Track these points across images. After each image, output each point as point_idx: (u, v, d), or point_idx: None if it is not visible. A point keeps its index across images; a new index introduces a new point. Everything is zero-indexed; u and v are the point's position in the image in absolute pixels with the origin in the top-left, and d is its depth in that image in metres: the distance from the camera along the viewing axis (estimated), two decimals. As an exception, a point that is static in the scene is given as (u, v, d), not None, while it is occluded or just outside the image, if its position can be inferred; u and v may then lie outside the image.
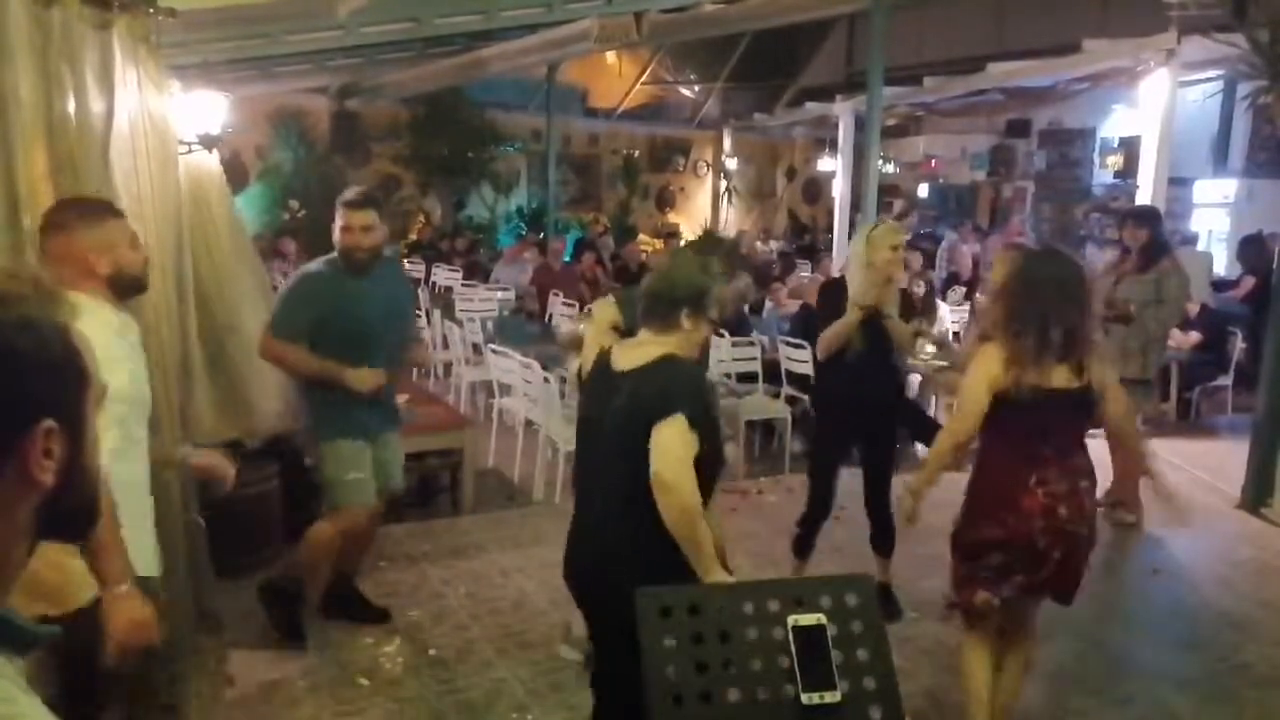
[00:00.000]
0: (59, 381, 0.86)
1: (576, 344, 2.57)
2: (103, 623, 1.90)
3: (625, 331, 2.69)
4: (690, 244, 3.09)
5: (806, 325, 6.59)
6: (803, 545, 4.11)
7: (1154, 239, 5.02)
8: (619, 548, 2.29)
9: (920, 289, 7.67)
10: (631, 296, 2.68)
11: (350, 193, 3.57)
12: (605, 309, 2.86)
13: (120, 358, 2.14)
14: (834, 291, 3.95)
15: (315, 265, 3.63)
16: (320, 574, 3.64)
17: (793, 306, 7.88)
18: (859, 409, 3.88)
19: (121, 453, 2.12)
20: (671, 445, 2.16)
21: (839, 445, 4.09)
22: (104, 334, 2.03)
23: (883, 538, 4.04)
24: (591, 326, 2.69)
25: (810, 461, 4.18)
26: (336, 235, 3.50)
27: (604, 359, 2.41)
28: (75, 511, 0.91)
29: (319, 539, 3.53)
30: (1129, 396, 4.23)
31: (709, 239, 3.10)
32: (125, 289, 2.29)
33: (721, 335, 6.29)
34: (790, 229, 16.07)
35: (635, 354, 2.35)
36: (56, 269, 2.09)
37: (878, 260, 3.73)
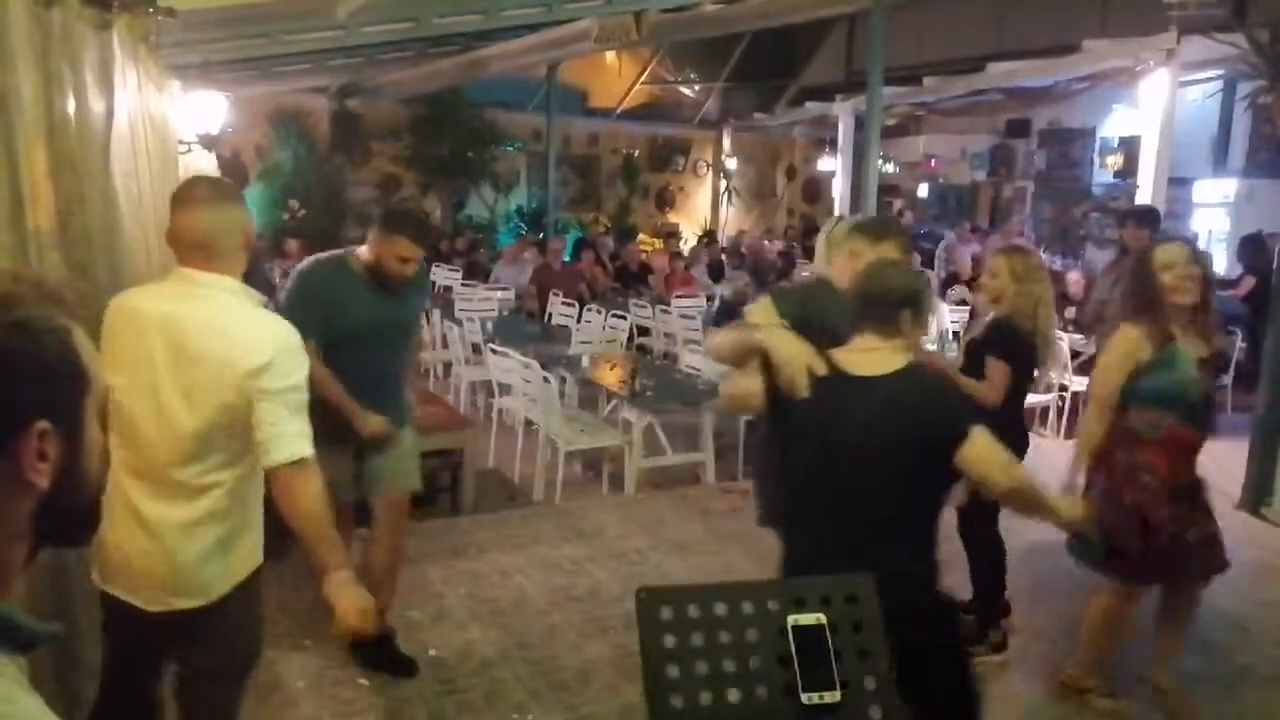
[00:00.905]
0: (55, 384, 0.86)
1: (746, 356, 2.33)
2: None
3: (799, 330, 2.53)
4: (861, 225, 2.93)
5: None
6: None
7: (1154, 240, 5.02)
8: (897, 568, 2.06)
9: None
10: (786, 295, 2.62)
11: (408, 219, 3.18)
12: (766, 311, 2.66)
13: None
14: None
15: (325, 264, 3.29)
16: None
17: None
18: None
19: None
20: (994, 452, 2.09)
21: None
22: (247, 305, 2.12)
23: None
24: (768, 333, 2.44)
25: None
26: (378, 252, 3.17)
27: (830, 366, 2.19)
28: (73, 515, 0.91)
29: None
30: None
31: (883, 221, 3.04)
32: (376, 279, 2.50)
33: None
34: (801, 228, 16.09)
35: (872, 360, 2.19)
36: (202, 246, 2.10)
37: (838, 260, 3.76)
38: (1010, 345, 3.49)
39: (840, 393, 2.16)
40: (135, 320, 2.09)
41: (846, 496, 2.15)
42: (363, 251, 3.27)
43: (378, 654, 3.45)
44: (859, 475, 2.13)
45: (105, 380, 0.93)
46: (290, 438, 2.01)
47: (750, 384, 2.27)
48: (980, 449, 2.08)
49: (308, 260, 3.39)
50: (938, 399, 2.17)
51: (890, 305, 2.22)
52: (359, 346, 3.21)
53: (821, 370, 2.17)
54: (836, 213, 12.03)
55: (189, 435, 2.03)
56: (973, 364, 3.56)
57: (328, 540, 2.02)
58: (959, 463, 2.09)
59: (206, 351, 2.01)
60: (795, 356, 2.17)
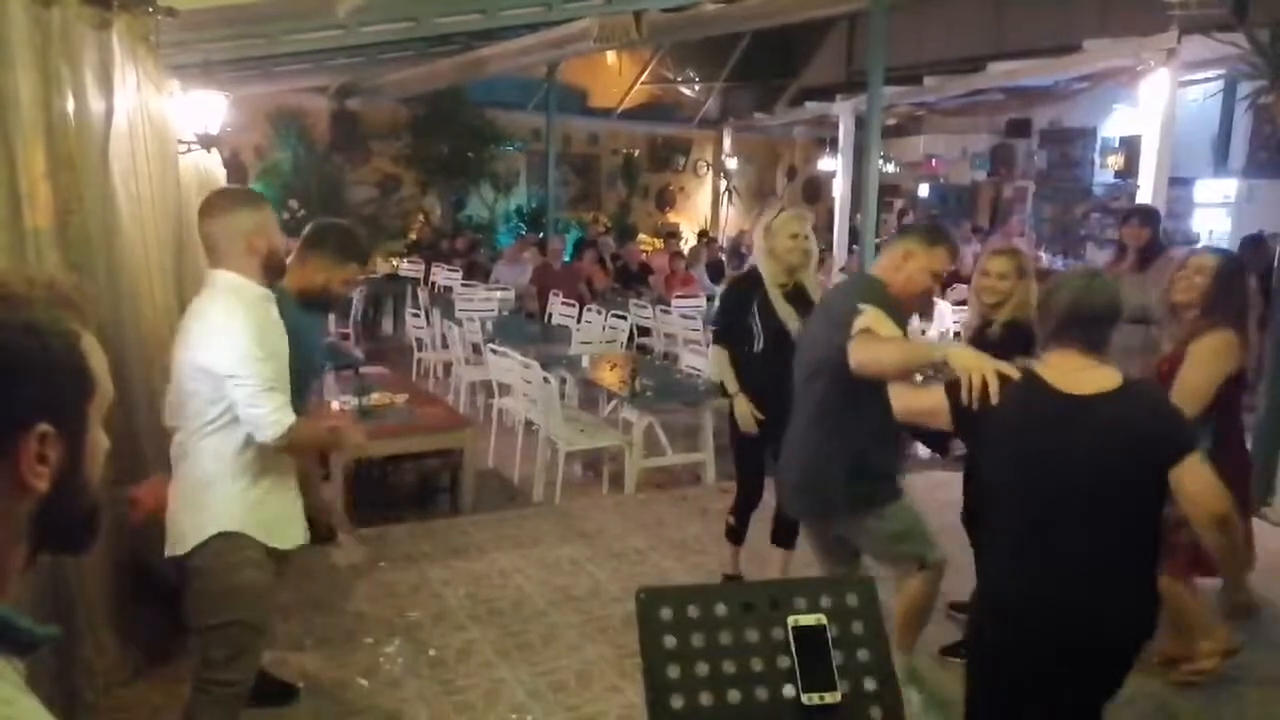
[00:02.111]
0: (59, 387, 0.86)
1: (917, 367, 2.35)
2: None
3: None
4: (916, 228, 2.92)
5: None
6: (737, 533, 4.21)
7: (1154, 239, 5.02)
8: (1123, 590, 2.07)
9: None
10: (880, 300, 2.58)
11: (356, 243, 3.11)
12: (880, 318, 2.57)
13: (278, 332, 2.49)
14: (744, 280, 4.17)
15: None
16: None
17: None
18: (761, 395, 3.98)
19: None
20: (1210, 476, 2.01)
21: (759, 427, 4.13)
22: (264, 309, 2.45)
23: (785, 533, 4.03)
24: (943, 344, 2.36)
25: (733, 449, 4.26)
26: (326, 278, 3.03)
27: (1036, 382, 2.11)
28: (73, 520, 0.90)
29: None
30: None
31: (935, 225, 3.02)
32: (275, 270, 2.55)
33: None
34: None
35: (1086, 379, 2.10)
36: (213, 249, 2.41)
37: (778, 249, 3.93)
38: (1033, 346, 3.48)
39: (1056, 411, 2.07)
40: None
41: (1062, 520, 2.06)
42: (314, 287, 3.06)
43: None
44: (1077, 499, 2.05)
45: (109, 388, 0.92)
46: (266, 420, 2.31)
47: (934, 396, 2.25)
48: (1197, 471, 2.00)
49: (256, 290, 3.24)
50: (1162, 417, 2.09)
51: (1103, 323, 2.15)
52: (304, 384, 3.00)
53: (1015, 378, 2.10)
54: (837, 212, 12.02)
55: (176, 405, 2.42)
56: None
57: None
58: (1172, 485, 2.01)
59: (190, 333, 2.36)
60: (979, 366, 2.11)
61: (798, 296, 3.99)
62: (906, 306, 2.85)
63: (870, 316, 2.53)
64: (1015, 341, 3.45)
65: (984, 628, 2.24)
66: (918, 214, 13.97)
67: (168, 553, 2.43)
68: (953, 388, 2.19)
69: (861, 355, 2.47)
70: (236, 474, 2.40)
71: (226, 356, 2.29)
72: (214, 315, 2.34)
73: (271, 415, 2.31)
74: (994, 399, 2.06)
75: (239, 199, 2.51)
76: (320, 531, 4.08)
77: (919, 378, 2.49)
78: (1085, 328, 2.13)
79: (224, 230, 2.40)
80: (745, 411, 4.05)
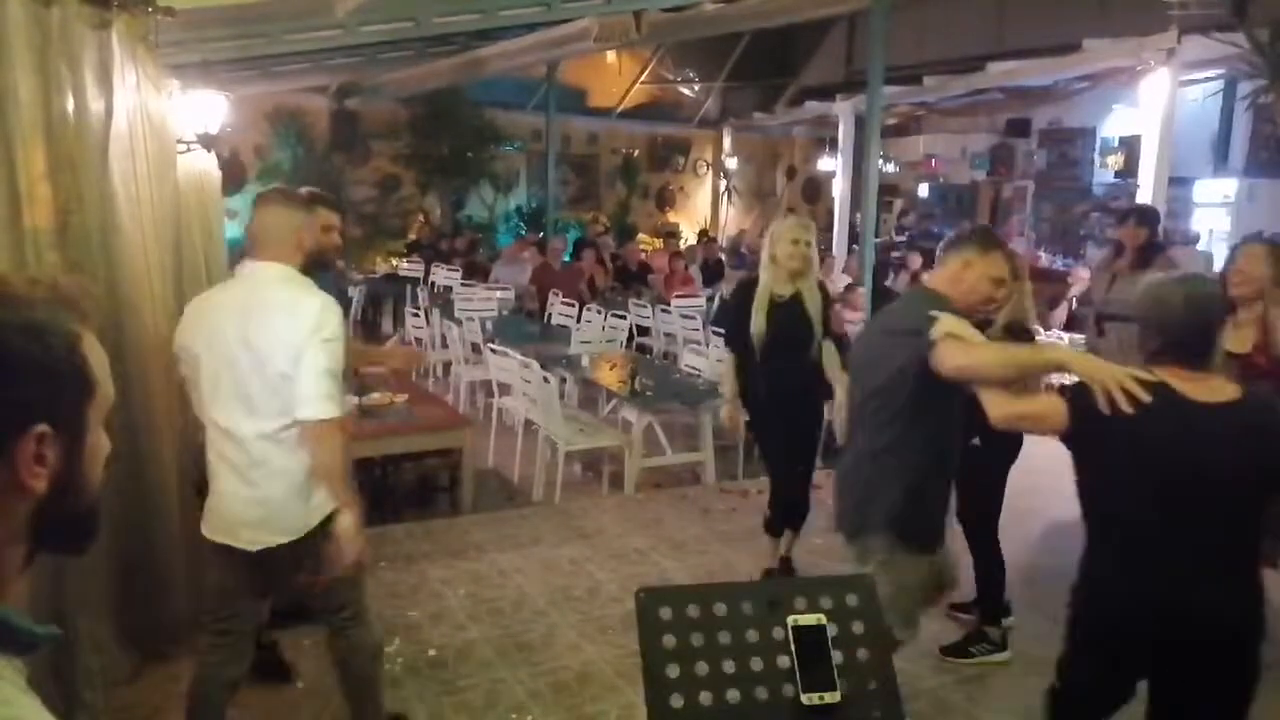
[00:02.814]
0: (59, 388, 0.85)
1: (1033, 373, 2.36)
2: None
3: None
4: (969, 236, 2.82)
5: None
6: (771, 526, 4.36)
7: (1152, 239, 5.02)
8: (1242, 587, 2.11)
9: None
10: (945, 307, 2.56)
11: (316, 191, 3.24)
12: (962, 324, 2.53)
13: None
14: (746, 286, 4.22)
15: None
16: None
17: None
18: (767, 394, 4.11)
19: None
20: None
21: (763, 428, 4.37)
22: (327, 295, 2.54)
23: (794, 516, 4.32)
24: (1005, 348, 2.35)
25: (758, 446, 4.47)
26: (317, 236, 2.97)
27: (1162, 389, 2.09)
28: (71, 521, 0.90)
29: None
30: None
31: (987, 230, 2.95)
32: (315, 264, 2.76)
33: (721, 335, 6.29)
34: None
35: (1208, 388, 2.10)
36: (264, 242, 2.51)
37: (779, 255, 4.01)
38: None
39: (1190, 419, 2.07)
40: (210, 306, 2.54)
41: (1194, 522, 2.07)
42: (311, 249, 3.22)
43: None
44: (1210, 502, 2.06)
45: (110, 390, 0.92)
46: (316, 399, 2.38)
47: (1045, 401, 2.24)
48: None
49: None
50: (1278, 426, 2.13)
51: (1213, 335, 2.14)
52: None
53: (1146, 389, 2.07)
54: (837, 212, 12.02)
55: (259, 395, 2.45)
56: None
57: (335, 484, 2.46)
58: None
59: (264, 324, 2.42)
60: (1113, 373, 2.10)
61: (789, 308, 4.02)
62: (970, 317, 2.75)
63: (951, 322, 2.47)
64: (1015, 343, 3.48)
65: (1095, 628, 2.25)
66: (918, 214, 13.98)
67: (273, 542, 2.49)
68: (1074, 393, 2.18)
69: (960, 359, 2.38)
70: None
71: (322, 326, 2.42)
72: (297, 300, 2.46)
73: (327, 399, 2.41)
74: (1135, 405, 2.04)
75: (292, 198, 2.65)
76: None
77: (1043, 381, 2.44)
78: (1197, 340, 2.13)
79: (278, 224, 2.52)
80: (727, 416, 4.38)
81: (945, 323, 2.46)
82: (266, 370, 2.41)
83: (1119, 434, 2.09)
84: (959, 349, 2.40)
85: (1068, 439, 2.22)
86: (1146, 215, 5.16)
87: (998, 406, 2.30)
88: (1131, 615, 2.15)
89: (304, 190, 3.34)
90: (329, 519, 2.50)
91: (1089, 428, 2.15)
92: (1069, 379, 2.34)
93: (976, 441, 3.17)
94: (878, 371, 2.68)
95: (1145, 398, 2.05)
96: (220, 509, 2.54)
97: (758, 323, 4.02)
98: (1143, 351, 2.21)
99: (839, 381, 4.02)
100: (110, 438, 0.94)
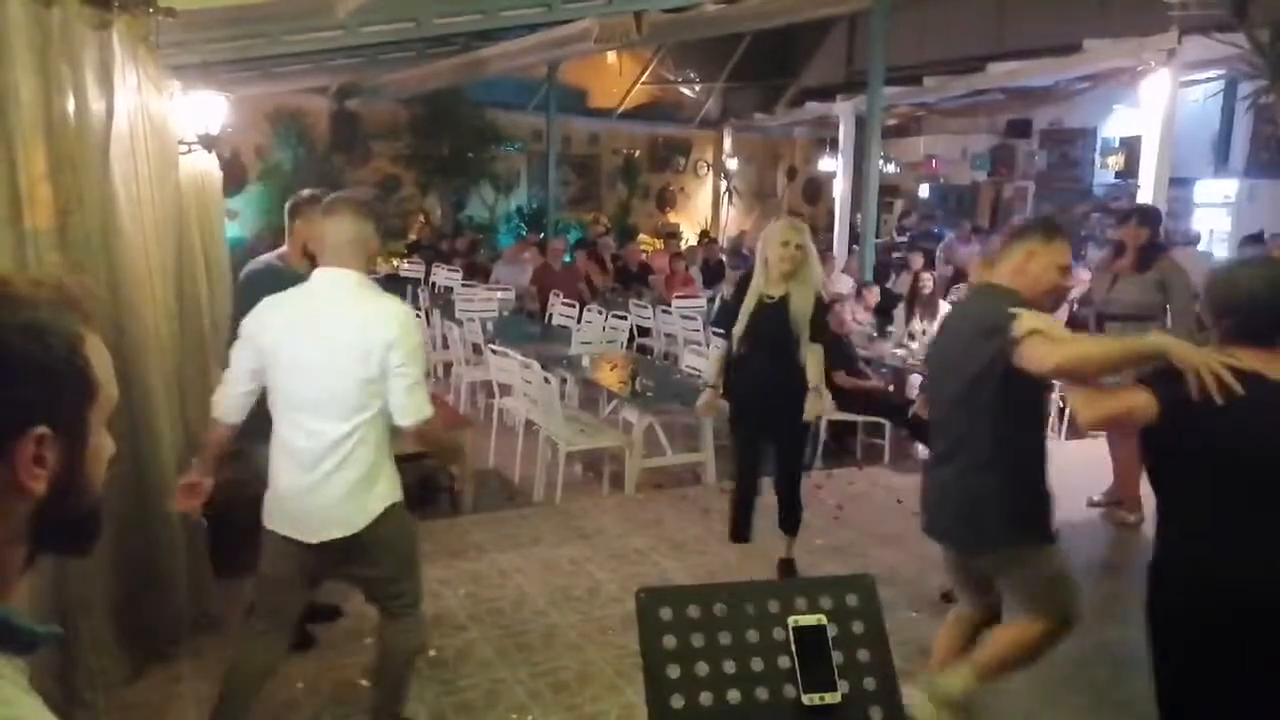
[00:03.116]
0: (59, 390, 0.85)
1: (1136, 362, 2.27)
2: None
3: None
4: (1032, 226, 2.77)
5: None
6: (737, 529, 4.30)
7: (1153, 239, 5.01)
8: None
9: (927, 287, 7.68)
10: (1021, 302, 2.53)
11: (304, 191, 3.40)
12: (1047, 319, 2.47)
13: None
14: (746, 281, 4.28)
15: (268, 263, 3.42)
16: None
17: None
18: (749, 395, 4.16)
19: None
20: None
21: (742, 428, 4.33)
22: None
23: (788, 519, 4.27)
24: (1101, 340, 2.28)
25: (730, 444, 4.44)
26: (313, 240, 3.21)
27: (1250, 375, 2.07)
28: (73, 522, 0.90)
29: None
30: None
31: (1048, 219, 2.91)
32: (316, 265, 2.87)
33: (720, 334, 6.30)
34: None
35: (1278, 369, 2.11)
36: (337, 248, 2.63)
37: (770, 257, 4.06)
38: None
39: (1270, 400, 2.07)
40: (289, 306, 2.64)
41: (1270, 506, 2.08)
42: (287, 253, 3.35)
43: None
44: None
45: (113, 392, 0.92)
46: (422, 406, 2.59)
47: (1132, 396, 2.19)
48: None
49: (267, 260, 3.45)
50: None
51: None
52: None
53: (1236, 375, 2.05)
54: (837, 212, 12.01)
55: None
56: None
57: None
58: None
59: (342, 328, 2.55)
60: (1206, 359, 2.06)
61: (776, 309, 4.05)
62: (1038, 309, 2.70)
63: (1033, 318, 2.41)
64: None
65: (1183, 617, 2.23)
66: (918, 215, 13.98)
67: (334, 535, 2.60)
68: (1159, 382, 2.15)
69: (1057, 357, 2.32)
70: (389, 454, 2.70)
71: (403, 341, 2.54)
72: (381, 307, 2.59)
73: (425, 402, 2.61)
74: (1232, 392, 2.02)
75: (361, 208, 2.72)
76: None
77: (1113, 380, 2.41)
78: (1270, 321, 2.13)
79: (353, 233, 2.62)
80: (704, 402, 4.45)
81: (1027, 319, 2.40)
82: (345, 373, 2.53)
83: (1207, 419, 2.07)
84: (1052, 346, 2.34)
85: (1152, 430, 2.20)
86: (1148, 215, 5.16)
87: (1089, 409, 2.26)
88: (1218, 599, 2.13)
89: (306, 193, 3.40)
90: (388, 510, 2.66)
91: (1178, 418, 2.13)
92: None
93: None
94: (962, 375, 2.61)
95: (1238, 386, 2.03)
96: (285, 502, 2.64)
97: (740, 322, 4.12)
98: (1216, 333, 2.21)
99: (815, 388, 4.07)
100: (113, 439, 0.94)
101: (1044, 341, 2.34)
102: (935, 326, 7.25)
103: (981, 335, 2.52)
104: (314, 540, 2.61)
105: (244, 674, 2.76)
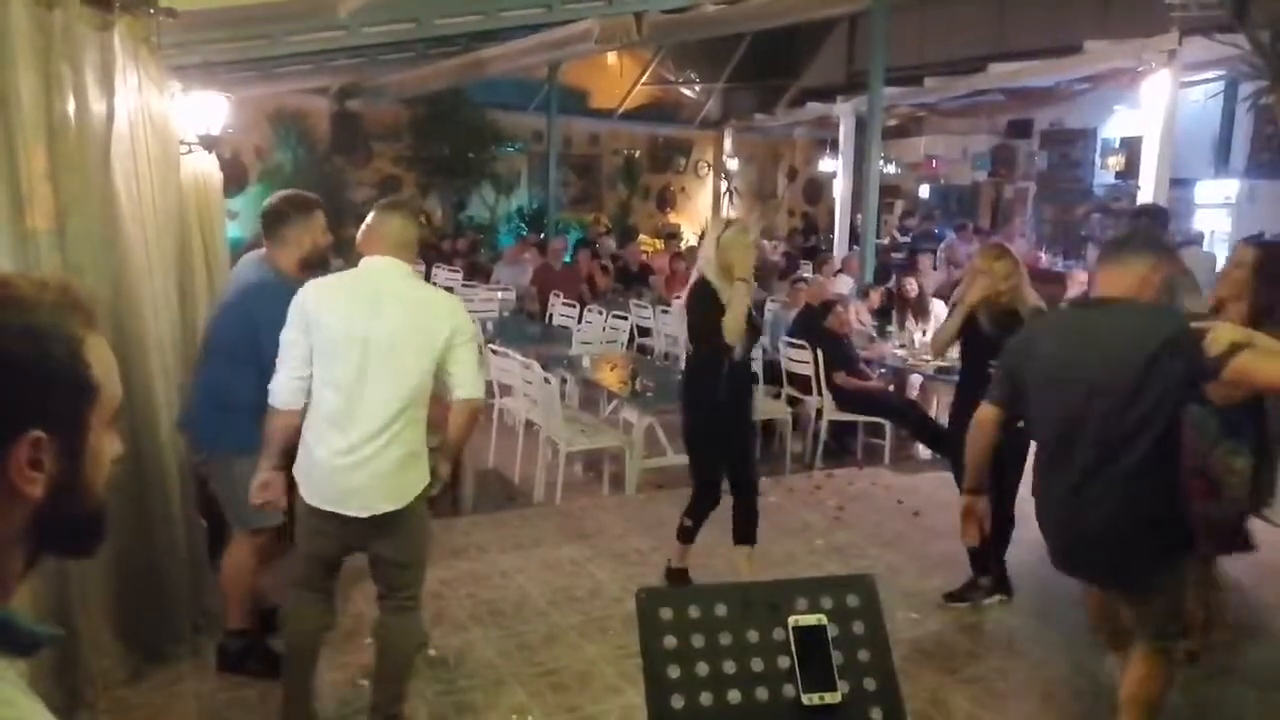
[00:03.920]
0: (56, 393, 0.85)
1: None
2: None
3: None
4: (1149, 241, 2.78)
5: (806, 327, 6.60)
6: (688, 533, 4.22)
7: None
8: None
9: (912, 291, 7.69)
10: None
11: (301, 197, 3.37)
12: (1244, 331, 2.37)
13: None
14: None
15: (273, 278, 3.22)
16: (246, 602, 3.42)
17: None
18: (691, 404, 4.14)
19: None
20: None
21: (692, 437, 4.24)
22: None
23: (743, 529, 4.15)
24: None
25: (694, 453, 4.25)
26: (311, 239, 3.29)
27: None
28: (73, 526, 0.89)
29: (239, 566, 3.35)
30: None
31: (1160, 239, 2.86)
32: (315, 263, 3.23)
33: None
34: (801, 228, 16.10)
35: None
36: (384, 240, 2.82)
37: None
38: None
39: None
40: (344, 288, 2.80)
41: None
42: (279, 259, 3.27)
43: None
44: None
45: (117, 392, 0.91)
46: (480, 380, 2.87)
47: None
48: None
49: (266, 275, 3.28)
50: None
51: None
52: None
53: None
54: (837, 212, 12.00)
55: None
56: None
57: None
58: None
59: (404, 314, 2.74)
60: None
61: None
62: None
63: (1232, 330, 2.32)
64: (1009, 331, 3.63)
65: None
66: (919, 215, 13.98)
67: (382, 509, 2.72)
68: None
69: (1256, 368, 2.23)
70: (423, 435, 2.83)
71: (465, 325, 2.81)
72: (436, 296, 2.91)
73: (482, 382, 2.89)
74: None
75: (410, 211, 3.02)
76: None
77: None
78: None
79: (413, 235, 2.89)
80: None
81: (1225, 332, 2.30)
82: (408, 352, 2.70)
83: None
84: (1276, 360, 2.24)
85: None
86: (1157, 215, 5.11)
87: None
88: None
89: (291, 193, 3.42)
90: (423, 493, 2.82)
91: None
92: None
93: (1021, 424, 3.13)
94: (1135, 396, 2.43)
95: None
96: (331, 478, 2.71)
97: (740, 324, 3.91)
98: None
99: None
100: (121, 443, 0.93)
101: (1265, 356, 2.24)
102: (927, 327, 7.28)
103: (1159, 352, 2.38)
104: (363, 515, 2.71)
105: (303, 633, 2.93)
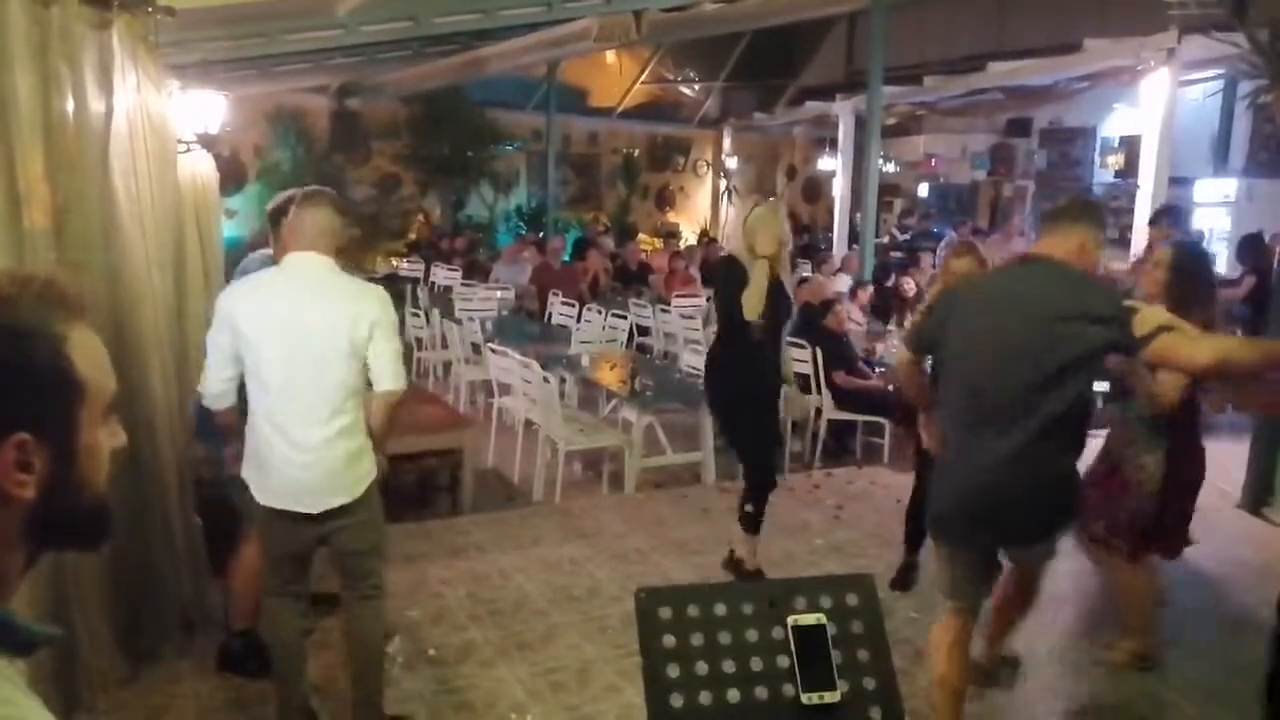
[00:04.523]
0: (40, 395, 0.84)
1: None
2: None
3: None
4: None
5: (805, 326, 6.59)
6: (753, 522, 4.25)
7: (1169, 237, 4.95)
8: None
9: (910, 291, 7.70)
10: None
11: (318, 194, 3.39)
12: (1167, 315, 2.49)
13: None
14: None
15: (259, 270, 3.22)
16: (254, 602, 3.30)
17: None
18: (717, 386, 4.27)
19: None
20: None
21: (725, 421, 4.42)
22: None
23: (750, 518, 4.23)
24: (1247, 341, 2.48)
25: (761, 438, 4.30)
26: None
27: None
28: (73, 522, 0.89)
29: (252, 567, 3.23)
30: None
31: (1099, 209, 2.94)
32: None
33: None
34: (793, 228, 16.10)
35: None
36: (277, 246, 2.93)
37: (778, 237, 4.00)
38: None
39: None
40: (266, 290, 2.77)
41: None
42: (267, 255, 3.34)
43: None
44: None
45: (108, 385, 0.90)
46: (396, 375, 2.80)
47: None
48: None
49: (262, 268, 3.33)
50: None
51: None
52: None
53: None
54: (837, 211, 12.00)
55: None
56: None
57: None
58: None
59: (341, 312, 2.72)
60: None
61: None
62: None
63: (1159, 314, 2.44)
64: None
65: None
66: (918, 214, 13.98)
67: (336, 502, 2.75)
68: None
69: (1208, 355, 2.34)
70: (366, 429, 2.83)
71: (384, 317, 2.76)
72: (362, 287, 2.82)
73: (403, 372, 2.84)
74: None
75: (339, 201, 2.94)
76: None
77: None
78: None
79: (329, 224, 2.80)
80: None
81: (1152, 315, 2.41)
82: (339, 347, 2.69)
83: None
84: (1197, 344, 2.38)
85: None
86: (1177, 216, 5.06)
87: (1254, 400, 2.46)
88: None
89: (285, 195, 3.37)
90: (372, 485, 2.83)
91: None
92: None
93: None
94: (1047, 358, 2.48)
95: None
96: (283, 477, 2.73)
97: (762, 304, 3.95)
98: None
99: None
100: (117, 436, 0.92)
101: (1185, 339, 2.34)
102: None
103: (1076, 319, 2.45)
104: (317, 510, 2.73)
105: (283, 643, 2.91)
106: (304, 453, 2.69)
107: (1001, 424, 2.56)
